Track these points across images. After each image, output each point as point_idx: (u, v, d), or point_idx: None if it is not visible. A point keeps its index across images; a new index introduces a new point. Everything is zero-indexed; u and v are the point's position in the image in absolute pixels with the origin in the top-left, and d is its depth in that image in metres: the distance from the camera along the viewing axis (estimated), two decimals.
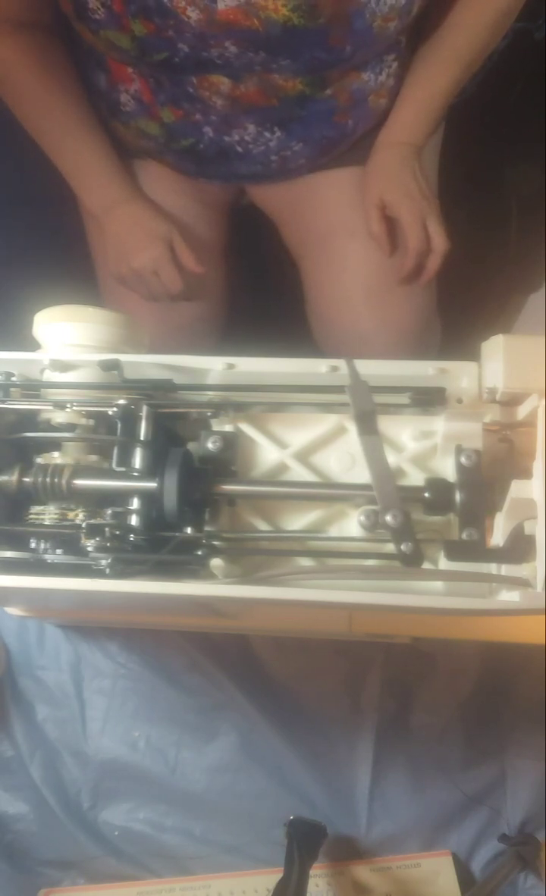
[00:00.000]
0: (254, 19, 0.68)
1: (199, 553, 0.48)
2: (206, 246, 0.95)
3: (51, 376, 0.52)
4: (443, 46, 0.82)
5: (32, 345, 0.56)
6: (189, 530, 0.49)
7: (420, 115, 0.85)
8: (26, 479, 0.48)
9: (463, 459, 0.49)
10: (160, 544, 0.48)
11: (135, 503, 0.48)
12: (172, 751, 0.88)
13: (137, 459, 0.49)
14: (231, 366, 0.52)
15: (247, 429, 0.53)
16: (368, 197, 0.86)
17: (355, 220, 0.90)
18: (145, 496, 0.48)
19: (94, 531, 0.47)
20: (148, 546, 0.49)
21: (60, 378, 0.52)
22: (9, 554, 0.48)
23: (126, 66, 0.78)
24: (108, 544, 0.47)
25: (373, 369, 0.50)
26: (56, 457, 0.50)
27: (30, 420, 0.52)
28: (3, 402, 0.50)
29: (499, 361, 0.47)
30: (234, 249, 1.04)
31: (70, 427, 0.51)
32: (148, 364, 0.52)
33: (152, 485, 0.47)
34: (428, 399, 0.50)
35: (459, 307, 1.15)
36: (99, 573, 0.47)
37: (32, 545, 0.49)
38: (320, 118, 0.82)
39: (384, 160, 0.86)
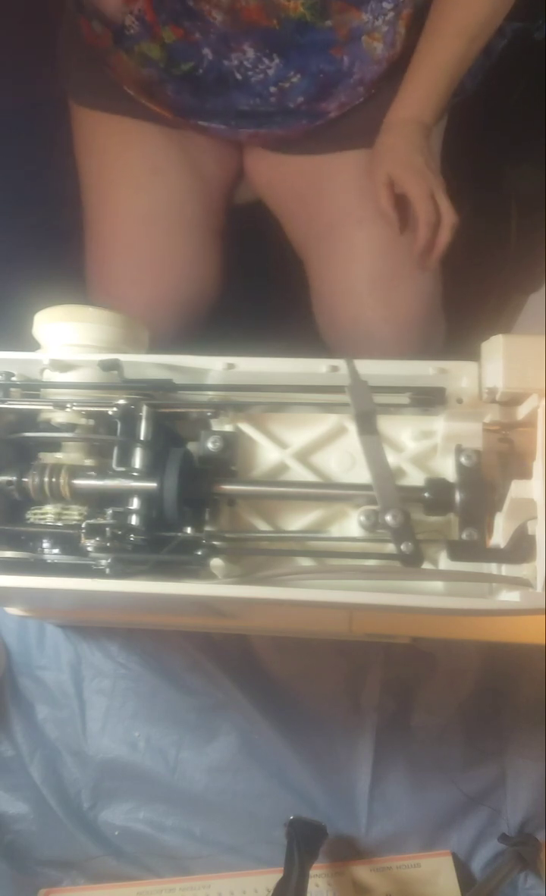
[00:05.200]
0: None
1: (199, 553, 0.48)
2: (199, 222, 0.94)
3: (51, 376, 0.52)
4: (447, 21, 0.83)
5: (32, 345, 0.56)
6: (189, 530, 0.49)
7: (427, 92, 0.85)
8: (26, 480, 0.48)
9: (463, 459, 0.49)
10: (160, 544, 0.48)
11: (135, 503, 0.48)
12: (172, 751, 0.88)
13: (137, 459, 0.49)
14: (231, 366, 0.52)
15: (247, 429, 0.53)
16: (377, 174, 0.86)
17: (361, 209, 0.90)
18: (145, 496, 0.48)
19: (93, 531, 0.47)
20: (148, 546, 0.49)
21: (60, 378, 0.52)
22: (9, 554, 0.48)
23: None
24: (108, 544, 0.47)
25: (373, 369, 0.50)
26: (56, 457, 0.50)
27: (30, 420, 0.52)
28: (3, 402, 0.50)
29: (499, 361, 0.47)
30: (233, 248, 1.04)
31: (70, 427, 0.51)
32: (148, 364, 0.52)
33: (152, 485, 0.47)
34: (428, 399, 0.50)
35: (459, 307, 1.15)
36: (99, 573, 0.47)
37: (32, 545, 0.49)
38: (317, 49, 0.82)
39: (392, 138, 0.86)
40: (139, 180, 0.91)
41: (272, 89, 0.85)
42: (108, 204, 0.92)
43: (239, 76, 0.83)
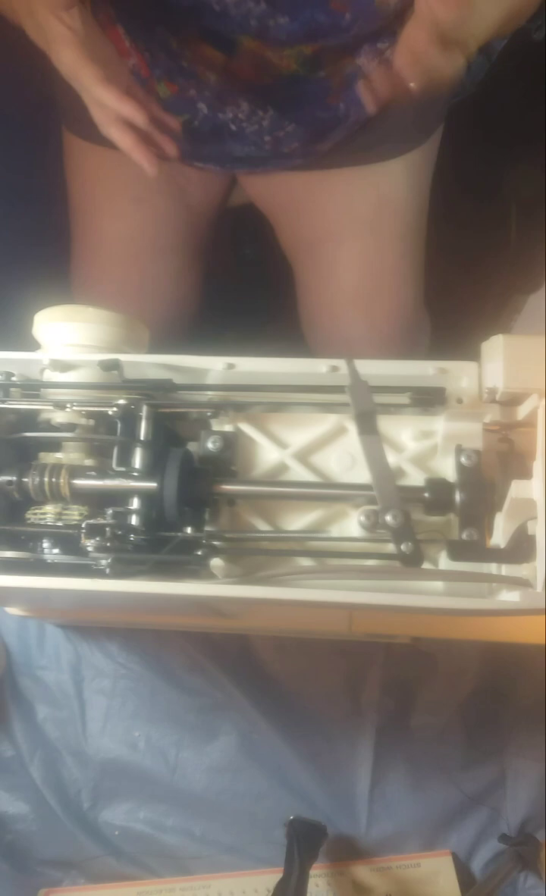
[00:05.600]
0: None
1: (199, 553, 0.48)
2: (179, 246, 0.95)
3: (51, 376, 0.52)
4: None
5: (32, 345, 0.56)
6: (189, 530, 0.49)
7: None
8: (26, 480, 0.48)
9: (463, 459, 0.49)
10: (160, 544, 0.48)
11: (135, 503, 0.48)
12: (172, 751, 0.88)
13: (137, 459, 0.49)
14: (231, 366, 0.52)
15: (247, 429, 0.53)
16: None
17: (344, 227, 0.90)
18: (145, 496, 0.48)
19: (94, 531, 0.47)
20: (148, 546, 0.49)
21: (60, 378, 0.52)
22: (9, 554, 0.48)
23: (124, 40, 0.77)
24: (108, 544, 0.47)
25: (373, 369, 0.50)
26: (56, 457, 0.50)
27: (30, 420, 0.52)
28: (3, 402, 0.50)
29: (499, 361, 0.47)
30: (230, 247, 1.05)
31: (70, 427, 0.51)
32: (148, 364, 0.52)
33: (152, 485, 0.47)
34: (428, 399, 0.50)
35: (459, 307, 1.15)
36: (99, 573, 0.47)
37: (32, 545, 0.49)
38: (313, 99, 0.81)
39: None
40: (121, 208, 0.92)
41: (267, 138, 0.85)
42: (91, 227, 0.94)
43: (234, 127, 0.84)
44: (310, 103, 0.82)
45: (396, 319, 0.93)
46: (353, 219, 0.90)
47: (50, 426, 0.51)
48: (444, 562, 0.49)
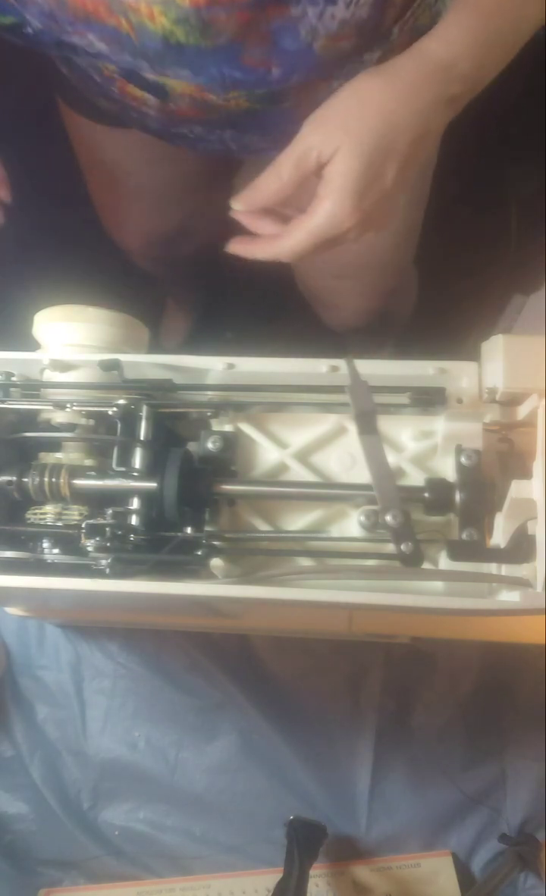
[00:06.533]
0: (121, 19, 0.51)
1: (199, 553, 0.48)
2: (172, 190, 0.96)
3: (51, 376, 0.52)
4: None
5: (32, 345, 0.56)
6: (189, 530, 0.49)
7: (467, 34, 0.57)
8: (26, 480, 0.48)
9: (463, 459, 0.49)
10: (160, 544, 0.48)
11: (135, 503, 0.48)
12: (172, 751, 0.88)
13: (137, 459, 0.49)
14: (231, 366, 0.52)
15: (247, 429, 0.53)
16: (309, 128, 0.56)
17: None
18: (145, 496, 0.48)
19: (94, 531, 0.47)
20: (148, 546, 0.49)
21: (60, 378, 0.52)
22: (9, 554, 0.48)
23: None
24: (108, 544, 0.47)
25: (373, 369, 0.50)
26: (56, 457, 0.50)
27: (30, 420, 0.52)
28: (3, 402, 0.50)
29: (499, 361, 0.47)
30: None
31: (70, 427, 0.51)
32: (148, 364, 0.52)
33: (152, 485, 0.47)
34: (428, 399, 0.50)
35: (460, 307, 1.15)
36: (99, 573, 0.47)
37: (32, 545, 0.49)
38: (279, 119, 0.67)
39: (395, 78, 0.56)
40: (115, 175, 0.93)
41: (233, 146, 0.75)
42: (95, 182, 0.95)
43: (192, 136, 0.74)
44: (276, 122, 0.69)
45: (378, 290, 0.99)
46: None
47: (50, 426, 0.51)
48: (444, 562, 0.49)
